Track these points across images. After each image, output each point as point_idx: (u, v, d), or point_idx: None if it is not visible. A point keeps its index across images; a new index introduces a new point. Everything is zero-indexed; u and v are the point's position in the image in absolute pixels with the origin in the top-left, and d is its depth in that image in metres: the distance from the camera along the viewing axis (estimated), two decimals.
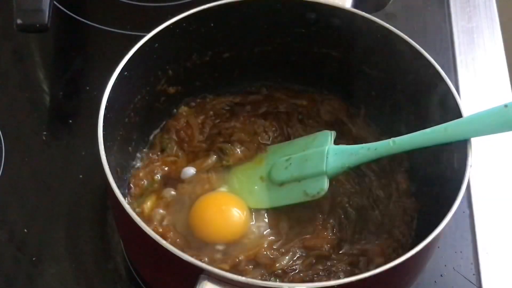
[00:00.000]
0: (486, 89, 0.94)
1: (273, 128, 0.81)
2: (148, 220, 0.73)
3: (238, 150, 0.79)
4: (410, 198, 0.75)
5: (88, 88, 0.90)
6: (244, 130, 0.81)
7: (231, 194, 0.76)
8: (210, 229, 0.72)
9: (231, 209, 0.74)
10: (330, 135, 0.75)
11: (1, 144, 0.84)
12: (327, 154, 0.72)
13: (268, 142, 0.80)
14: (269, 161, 0.78)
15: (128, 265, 0.75)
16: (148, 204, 0.75)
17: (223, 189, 0.77)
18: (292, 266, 0.70)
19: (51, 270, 0.75)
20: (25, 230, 0.77)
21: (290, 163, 0.75)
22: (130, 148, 0.77)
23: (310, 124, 0.82)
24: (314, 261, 0.71)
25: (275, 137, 0.81)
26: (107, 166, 0.62)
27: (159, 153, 0.78)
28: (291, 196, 0.74)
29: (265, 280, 0.69)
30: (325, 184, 0.71)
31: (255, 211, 0.75)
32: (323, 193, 0.72)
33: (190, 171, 0.77)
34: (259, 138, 0.81)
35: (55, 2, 0.90)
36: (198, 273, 0.57)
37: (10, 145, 0.84)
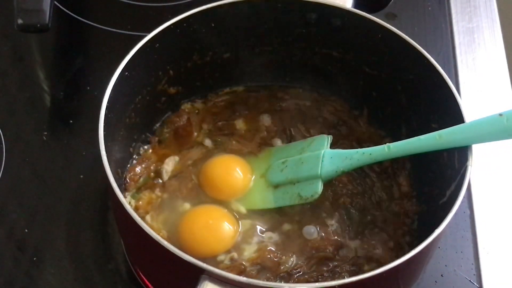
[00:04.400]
0: (487, 89, 0.94)
1: (275, 128, 0.81)
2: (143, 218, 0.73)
3: (234, 141, 0.79)
4: (412, 199, 0.75)
5: (88, 88, 0.90)
6: (246, 128, 0.81)
7: (215, 206, 0.75)
8: (199, 247, 0.71)
9: (217, 224, 0.73)
10: (327, 139, 0.75)
11: (2, 144, 0.84)
12: (323, 157, 0.72)
13: (270, 142, 0.80)
14: (266, 163, 0.78)
15: (128, 265, 0.75)
16: (144, 201, 0.74)
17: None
18: (297, 268, 0.70)
19: (51, 270, 0.75)
20: (25, 230, 0.77)
21: (286, 166, 0.75)
22: (130, 148, 0.77)
23: (313, 124, 0.82)
24: (318, 262, 0.71)
25: (277, 136, 0.81)
26: (108, 166, 0.62)
27: (156, 146, 0.78)
28: (285, 198, 0.74)
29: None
30: (319, 188, 0.72)
31: (258, 214, 0.75)
32: (316, 196, 0.72)
33: (172, 160, 0.77)
34: (261, 137, 0.80)
35: (55, 2, 0.89)
36: (199, 274, 0.57)
37: (10, 145, 0.84)
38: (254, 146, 0.80)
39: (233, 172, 0.77)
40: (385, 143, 0.70)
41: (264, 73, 0.83)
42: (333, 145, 0.75)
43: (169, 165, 0.77)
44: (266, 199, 0.75)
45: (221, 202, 0.75)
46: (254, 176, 0.77)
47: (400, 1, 1.01)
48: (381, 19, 0.75)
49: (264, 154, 0.79)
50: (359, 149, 0.71)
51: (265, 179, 0.76)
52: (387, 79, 0.77)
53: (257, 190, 0.76)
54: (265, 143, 0.80)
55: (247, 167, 0.77)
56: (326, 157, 0.72)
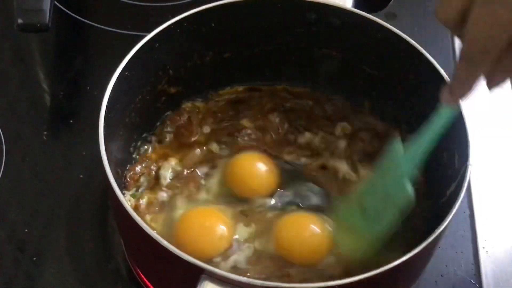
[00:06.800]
0: (486, 88, 0.94)
1: (280, 126, 0.81)
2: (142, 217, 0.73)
3: (240, 139, 0.79)
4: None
5: (88, 88, 0.90)
6: (252, 127, 0.81)
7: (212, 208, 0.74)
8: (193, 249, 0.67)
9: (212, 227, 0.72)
10: (396, 145, 0.65)
11: (2, 144, 0.84)
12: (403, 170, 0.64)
13: (275, 139, 0.80)
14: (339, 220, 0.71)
15: (129, 265, 0.75)
16: (144, 200, 0.74)
17: None
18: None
19: (51, 270, 0.75)
20: (25, 230, 0.77)
21: (366, 211, 0.67)
22: (131, 148, 0.77)
23: (318, 122, 0.81)
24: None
25: (283, 133, 0.81)
26: (108, 166, 0.62)
27: (156, 146, 0.78)
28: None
29: None
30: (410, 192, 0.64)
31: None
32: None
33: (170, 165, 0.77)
34: (269, 135, 0.80)
35: (56, 2, 0.89)
36: (199, 273, 0.57)
37: (10, 145, 0.84)
38: (263, 145, 0.79)
39: (266, 168, 0.76)
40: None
41: (264, 73, 0.83)
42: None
43: (168, 170, 0.77)
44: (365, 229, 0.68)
45: (245, 200, 0.75)
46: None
47: (400, 1, 1.01)
48: (381, 19, 0.75)
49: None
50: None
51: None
52: (387, 79, 0.77)
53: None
54: (275, 143, 0.80)
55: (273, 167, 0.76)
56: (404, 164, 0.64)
